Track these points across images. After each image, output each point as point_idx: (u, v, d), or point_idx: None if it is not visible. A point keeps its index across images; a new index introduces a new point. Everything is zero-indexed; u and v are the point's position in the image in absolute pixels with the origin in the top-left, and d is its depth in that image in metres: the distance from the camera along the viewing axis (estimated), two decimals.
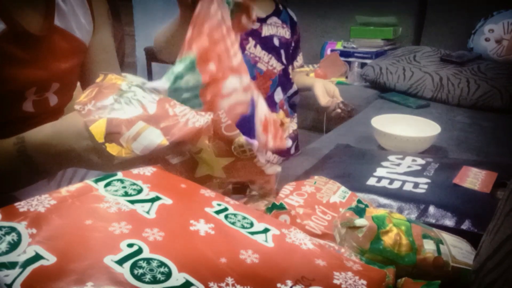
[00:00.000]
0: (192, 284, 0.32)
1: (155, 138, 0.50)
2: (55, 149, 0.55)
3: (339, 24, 2.39)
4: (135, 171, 0.47)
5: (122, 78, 0.57)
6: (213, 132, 0.51)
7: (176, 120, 0.51)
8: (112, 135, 0.50)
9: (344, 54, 2.17)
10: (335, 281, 0.37)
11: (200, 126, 0.50)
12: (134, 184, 0.44)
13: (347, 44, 2.23)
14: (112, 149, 0.50)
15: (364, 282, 0.37)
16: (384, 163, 0.80)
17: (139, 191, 0.43)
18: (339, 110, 1.25)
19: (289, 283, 0.35)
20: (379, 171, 0.76)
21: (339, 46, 2.26)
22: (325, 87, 1.29)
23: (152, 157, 0.51)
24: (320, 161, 0.90)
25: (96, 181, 0.43)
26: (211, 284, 0.33)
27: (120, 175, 0.45)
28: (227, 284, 0.33)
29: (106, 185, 0.43)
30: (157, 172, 0.48)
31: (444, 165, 0.79)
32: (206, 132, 0.51)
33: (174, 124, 0.51)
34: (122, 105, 0.52)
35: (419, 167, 0.78)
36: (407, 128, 1.08)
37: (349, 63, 2.13)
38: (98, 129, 0.50)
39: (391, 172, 0.76)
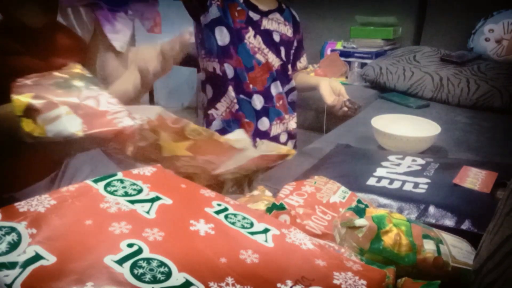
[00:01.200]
0: (192, 284, 0.32)
1: (70, 126, 0.49)
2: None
3: (339, 24, 2.39)
4: (135, 171, 0.47)
5: (83, 69, 0.57)
6: (163, 128, 0.51)
7: (102, 115, 0.51)
8: (31, 111, 0.49)
9: (344, 54, 2.17)
10: (335, 281, 0.37)
11: (122, 127, 0.49)
12: (134, 184, 0.44)
13: (347, 44, 2.23)
14: (27, 125, 0.49)
15: (364, 282, 0.37)
16: (384, 163, 0.80)
17: (139, 191, 0.43)
18: (345, 109, 1.23)
19: (289, 283, 0.35)
20: (379, 171, 0.76)
21: (339, 46, 2.26)
22: (330, 86, 1.28)
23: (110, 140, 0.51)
24: (320, 161, 0.90)
25: (96, 181, 0.43)
26: (211, 284, 0.33)
27: (120, 175, 0.45)
28: (227, 284, 0.33)
29: (106, 185, 0.43)
30: (157, 172, 0.48)
31: (444, 165, 0.79)
32: (130, 136, 0.50)
33: (98, 118, 0.50)
34: (60, 87, 0.52)
35: (419, 167, 0.78)
36: (407, 128, 1.08)
37: (349, 63, 2.13)
38: (20, 102, 0.50)
39: (391, 172, 0.76)
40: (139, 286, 0.31)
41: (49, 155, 0.84)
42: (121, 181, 0.44)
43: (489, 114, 1.53)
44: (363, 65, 2.04)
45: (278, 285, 0.35)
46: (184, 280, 0.32)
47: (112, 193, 0.42)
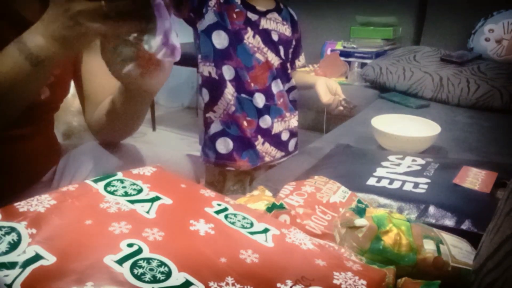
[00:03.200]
0: (192, 284, 0.32)
1: None
2: None
3: (339, 24, 2.39)
4: (135, 171, 0.47)
5: None
6: None
7: None
8: None
9: (344, 54, 2.17)
10: (335, 281, 0.37)
11: None
12: (134, 184, 0.44)
13: (347, 44, 2.23)
14: None
15: (364, 282, 0.37)
16: (384, 163, 0.80)
17: (139, 191, 0.43)
18: (341, 108, 1.25)
19: (289, 283, 0.35)
20: (379, 171, 0.76)
21: (339, 46, 2.26)
22: (327, 85, 1.29)
23: None
24: (320, 161, 0.90)
25: (96, 181, 0.43)
26: (211, 283, 0.33)
27: (120, 175, 0.46)
28: (227, 284, 0.33)
29: (106, 185, 0.43)
30: (157, 172, 0.48)
31: (444, 165, 0.79)
32: None
33: None
34: None
35: (419, 167, 0.78)
36: (407, 128, 1.08)
37: (349, 63, 2.13)
38: None
39: (391, 172, 0.76)
40: (139, 286, 0.31)
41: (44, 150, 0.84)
42: (121, 181, 0.44)
43: (489, 114, 1.53)
44: (363, 65, 2.04)
45: (278, 285, 0.34)
46: (184, 280, 0.32)
47: (112, 193, 0.42)
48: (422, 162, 0.80)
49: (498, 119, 1.47)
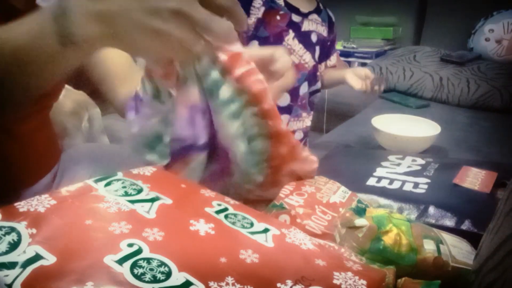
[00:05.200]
0: (192, 284, 0.32)
1: None
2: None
3: (339, 24, 2.39)
4: (135, 171, 0.47)
5: None
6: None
7: None
8: None
9: (344, 54, 2.17)
10: (335, 281, 0.37)
11: None
12: (134, 184, 0.44)
13: (347, 44, 2.24)
14: None
15: (364, 282, 0.37)
16: (384, 163, 0.80)
17: (139, 191, 0.43)
18: (376, 88, 1.26)
19: (289, 283, 0.35)
20: (379, 171, 0.76)
21: (339, 46, 2.26)
22: (354, 73, 1.31)
23: None
24: (320, 161, 0.90)
25: (96, 181, 0.43)
26: (211, 283, 0.33)
27: (120, 175, 0.46)
28: (227, 284, 0.33)
29: (106, 185, 0.43)
30: (157, 172, 0.48)
31: (444, 165, 0.79)
32: None
33: None
34: None
35: (419, 167, 0.78)
36: (407, 128, 1.09)
37: (349, 63, 2.13)
38: None
39: (391, 172, 0.76)
40: (139, 286, 0.31)
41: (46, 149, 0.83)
42: (121, 181, 0.44)
43: (489, 114, 1.53)
44: (363, 65, 2.05)
45: (278, 284, 0.34)
46: (184, 280, 0.32)
47: (112, 192, 0.42)
48: (422, 162, 0.80)
49: (498, 119, 1.47)
